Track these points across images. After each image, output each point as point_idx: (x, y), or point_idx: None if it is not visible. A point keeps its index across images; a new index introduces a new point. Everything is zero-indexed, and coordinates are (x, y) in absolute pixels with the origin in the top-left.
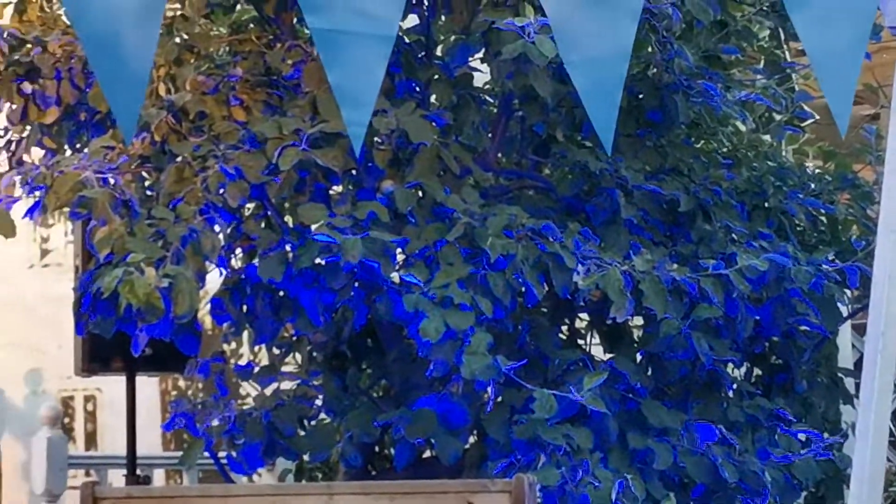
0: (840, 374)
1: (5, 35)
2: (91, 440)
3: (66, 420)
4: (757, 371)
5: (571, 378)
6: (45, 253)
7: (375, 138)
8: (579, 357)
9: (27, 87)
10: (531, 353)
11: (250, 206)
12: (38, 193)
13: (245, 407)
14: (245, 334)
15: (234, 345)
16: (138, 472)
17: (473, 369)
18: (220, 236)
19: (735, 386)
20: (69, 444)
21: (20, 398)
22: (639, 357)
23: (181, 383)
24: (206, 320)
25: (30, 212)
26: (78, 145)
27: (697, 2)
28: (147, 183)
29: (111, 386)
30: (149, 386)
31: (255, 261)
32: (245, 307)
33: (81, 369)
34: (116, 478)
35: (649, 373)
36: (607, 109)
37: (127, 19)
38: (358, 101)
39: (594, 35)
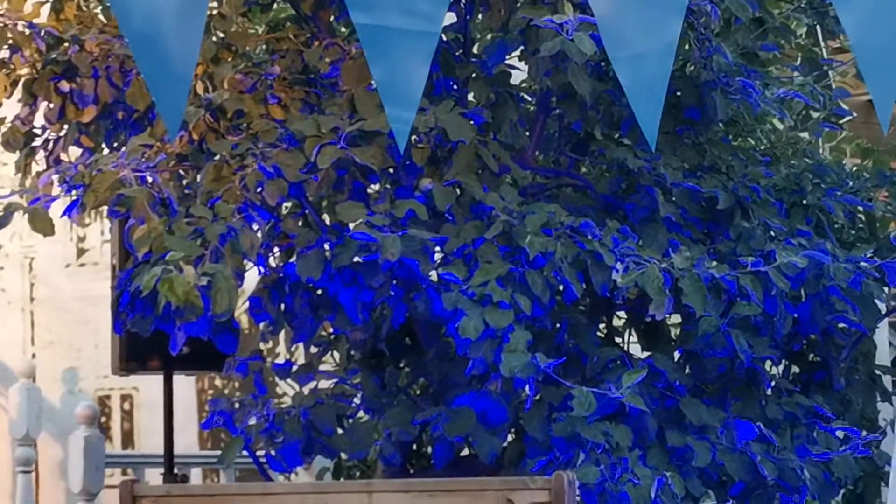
0: (878, 372)
1: (42, 34)
2: (128, 439)
3: (103, 419)
4: (795, 368)
5: (610, 376)
6: (81, 252)
7: (413, 136)
8: (618, 355)
9: (65, 86)
10: (569, 350)
11: (288, 204)
12: (76, 192)
13: (283, 405)
14: (282, 333)
15: (270, 343)
16: (175, 470)
17: (512, 367)
18: (259, 234)
19: (773, 383)
20: (106, 443)
21: (57, 397)
22: (677, 355)
23: (218, 382)
24: (243, 319)
25: (68, 210)
26: (115, 144)
27: None
28: (185, 181)
29: (148, 385)
30: (185, 385)
31: (294, 259)
32: (283, 306)
33: (119, 368)
34: (153, 476)
35: (688, 370)
36: (652, 105)
37: (171, 18)
38: (402, 98)
39: (640, 31)
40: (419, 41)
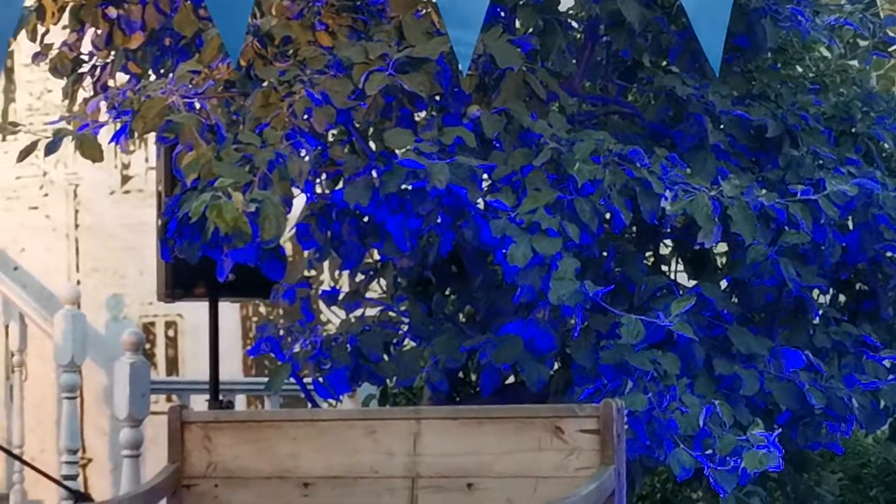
0: None
1: None
2: (172, 366)
3: (147, 346)
4: (843, 297)
5: (657, 304)
6: (125, 179)
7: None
8: (665, 283)
9: (112, 12)
10: (617, 279)
11: (335, 131)
12: (124, 119)
13: (329, 332)
14: (326, 261)
15: (314, 271)
16: (221, 397)
17: (560, 295)
18: (307, 161)
19: (821, 312)
20: (150, 369)
21: (102, 324)
22: (724, 283)
23: (262, 309)
24: (288, 246)
25: (115, 137)
26: (162, 70)
27: None
28: (233, 108)
29: (192, 312)
30: (230, 311)
31: (341, 186)
32: (330, 233)
33: (164, 295)
34: (198, 403)
35: (735, 299)
36: (716, 31)
37: None
38: (465, 19)
39: None
40: None
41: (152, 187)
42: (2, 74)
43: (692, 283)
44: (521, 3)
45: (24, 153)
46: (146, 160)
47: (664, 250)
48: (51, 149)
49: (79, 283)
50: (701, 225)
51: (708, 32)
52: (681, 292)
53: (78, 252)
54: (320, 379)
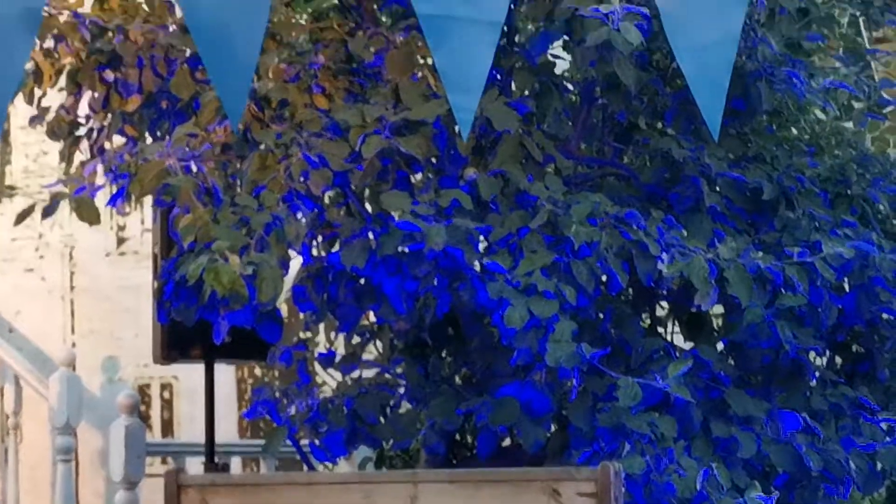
0: None
1: (87, 23)
2: (167, 428)
3: (143, 408)
4: (839, 360)
5: (654, 366)
6: (121, 241)
7: (456, 127)
8: (662, 345)
9: (109, 76)
10: (614, 341)
11: (332, 193)
12: (121, 181)
13: (326, 395)
14: (322, 323)
15: (309, 333)
16: (216, 459)
17: (558, 357)
18: (303, 223)
19: (818, 374)
20: (146, 431)
21: (97, 386)
22: (721, 345)
23: (257, 371)
24: (284, 307)
25: (112, 200)
26: (159, 133)
27: None
28: (230, 171)
29: (188, 374)
30: (225, 373)
31: (338, 248)
32: (326, 295)
33: (160, 357)
34: (194, 465)
35: (732, 361)
36: (715, 96)
37: (235, 8)
38: (465, 86)
39: (703, 22)
40: (483, 30)
41: (148, 249)
42: None
43: (689, 344)
44: (517, 65)
45: (22, 216)
46: (142, 222)
47: (660, 312)
48: (48, 212)
49: (74, 345)
50: (697, 287)
51: (707, 97)
52: (677, 354)
53: (73, 314)
54: (317, 441)
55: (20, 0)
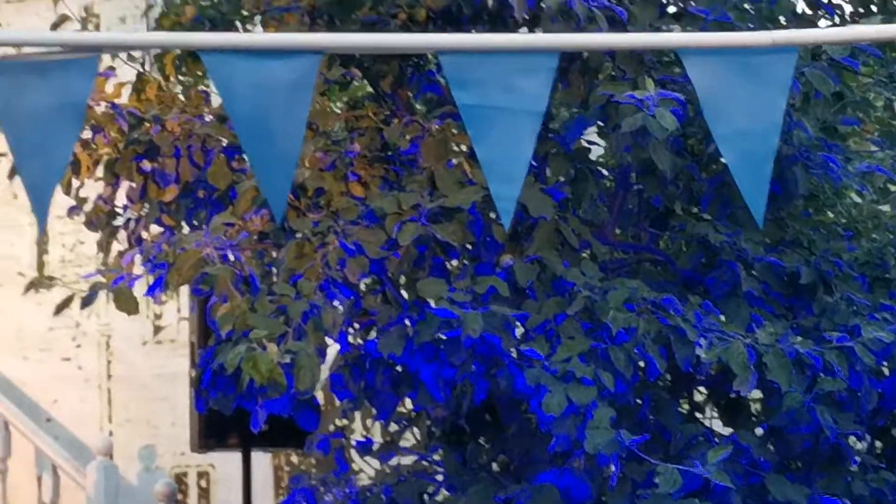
0: None
1: (125, 114)
2: None
3: (180, 496)
4: (880, 444)
5: (694, 452)
6: (157, 330)
7: (493, 213)
8: (701, 431)
9: (146, 166)
10: (653, 427)
11: (368, 280)
12: (159, 271)
13: (365, 483)
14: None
15: (346, 421)
16: None
17: (596, 444)
18: (340, 311)
19: (859, 459)
20: None
21: (134, 475)
22: (760, 430)
23: (294, 459)
24: (320, 395)
25: (150, 290)
26: (195, 222)
27: (817, 73)
28: (267, 259)
29: (225, 462)
30: (262, 462)
31: (374, 336)
32: (364, 383)
33: (198, 446)
34: None
35: (772, 446)
36: (758, 182)
37: (276, 99)
38: (507, 175)
39: (743, 108)
40: (524, 120)
41: (184, 337)
42: (37, 227)
43: (728, 430)
44: (552, 151)
45: (61, 307)
46: (178, 310)
47: (699, 397)
48: (86, 302)
49: (111, 433)
50: (736, 373)
51: (749, 184)
52: (717, 440)
53: (110, 402)
54: None
55: (64, 93)
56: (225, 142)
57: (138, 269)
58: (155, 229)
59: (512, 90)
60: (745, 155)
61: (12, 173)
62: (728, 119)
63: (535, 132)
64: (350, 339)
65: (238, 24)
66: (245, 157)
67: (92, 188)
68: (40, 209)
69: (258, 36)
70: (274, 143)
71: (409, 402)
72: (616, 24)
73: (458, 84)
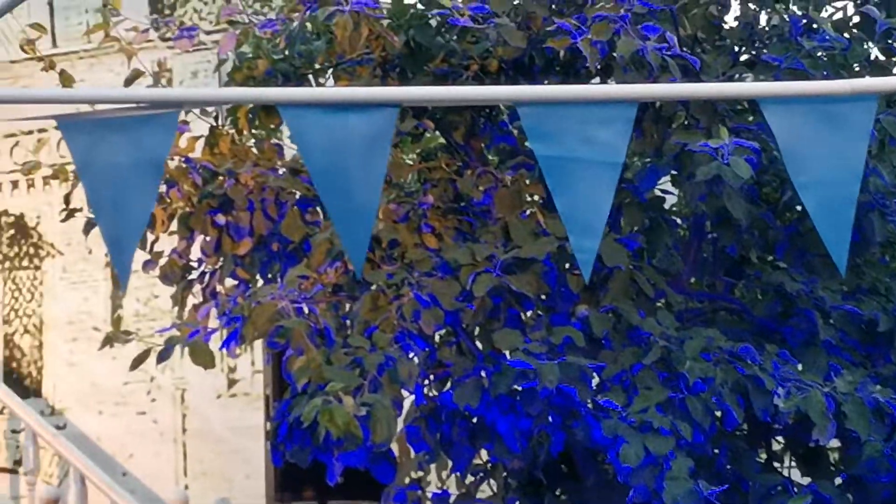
0: None
1: (198, 168)
2: None
3: None
4: None
5: (772, 502)
6: (232, 383)
7: (568, 264)
8: (779, 481)
9: (221, 219)
10: (731, 477)
11: (442, 332)
12: (234, 324)
13: None
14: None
15: (421, 472)
16: None
17: (675, 495)
18: (416, 363)
19: None
20: None
21: None
22: (839, 480)
23: None
24: (396, 447)
25: (226, 343)
26: (270, 275)
27: (892, 120)
28: (341, 312)
29: None
30: None
31: (450, 387)
32: (439, 434)
33: (274, 499)
34: None
35: (851, 496)
36: (840, 230)
37: (355, 153)
38: (586, 226)
39: (824, 156)
40: (603, 171)
41: (259, 390)
42: (111, 282)
43: (806, 479)
44: (626, 201)
45: (137, 362)
46: (252, 363)
47: (776, 447)
48: (162, 357)
49: (186, 487)
50: (815, 422)
51: (831, 232)
52: (795, 490)
53: (185, 456)
54: None
55: (144, 149)
56: (298, 194)
57: (213, 322)
58: (229, 283)
59: (590, 141)
60: (827, 203)
61: (88, 228)
62: (809, 167)
63: (614, 183)
64: (425, 390)
65: (310, 77)
66: (319, 209)
67: (166, 242)
68: (121, 265)
69: (336, 90)
70: (352, 195)
71: (484, 454)
72: (689, 73)
73: (537, 135)
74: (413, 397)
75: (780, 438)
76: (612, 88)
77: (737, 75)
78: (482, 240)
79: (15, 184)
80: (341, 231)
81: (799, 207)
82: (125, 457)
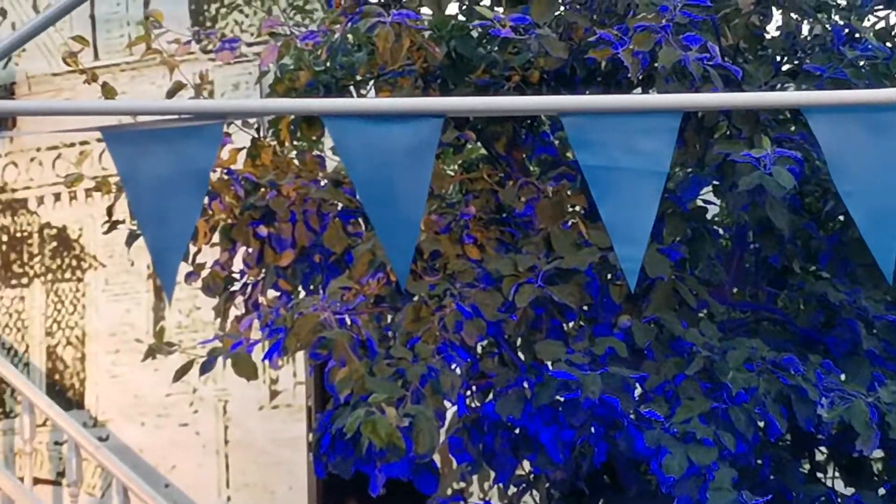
0: None
1: (240, 179)
2: None
3: None
4: None
5: None
6: (274, 394)
7: (611, 274)
8: (824, 491)
9: (263, 231)
10: (774, 487)
11: (485, 343)
12: (277, 336)
13: None
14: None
15: (463, 483)
16: None
17: None
18: (458, 374)
19: None
20: None
21: None
22: (882, 490)
23: None
24: (438, 458)
25: (268, 354)
26: (312, 287)
27: None
28: (384, 323)
29: None
30: None
31: (492, 398)
32: (482, 445)
33: None
34: None
35: None
36: (887, 239)
37: (399, 164)
38: (631, 236)
39: (870, 165)
40: (648, 180)
41: (301, 402)
42: (153, 294)
43: (850, 490)
44: (668, 211)
45: (180, 373)
46: (294, 375)
47: (820, 457)
48: (205, 368)
49: (229, 498)
50: (859, 432)
51: (878, 241)
52: (839, 500)
53: (228, 468)
54: None
55: (189, 161)
56: (340, 206)
57: (256, 334)
58: (272, 294)
59: (634, 151)
60: (873, 212)
61: (130, 240)
62: (854, 176)
63: (659, 193)
64: (468, 401)
65: (351, 88)
66: (361, 221)
67: (208, 254)
68: (166, 276)
69: (380, 100)
70: (397, 206)
71: (527, 465)
72: (731, 83)
73: (581, 145)
74: (455, 408)
75: (823, 449)
76: (656, 98)
77: (779, 85)
78: (524, 250)
79: (57, 196)
80: (385, 242)
81: (842, 217)
82: (167, 468)
